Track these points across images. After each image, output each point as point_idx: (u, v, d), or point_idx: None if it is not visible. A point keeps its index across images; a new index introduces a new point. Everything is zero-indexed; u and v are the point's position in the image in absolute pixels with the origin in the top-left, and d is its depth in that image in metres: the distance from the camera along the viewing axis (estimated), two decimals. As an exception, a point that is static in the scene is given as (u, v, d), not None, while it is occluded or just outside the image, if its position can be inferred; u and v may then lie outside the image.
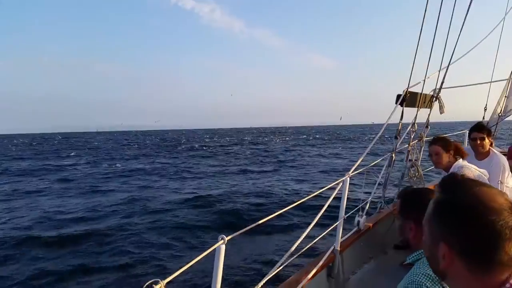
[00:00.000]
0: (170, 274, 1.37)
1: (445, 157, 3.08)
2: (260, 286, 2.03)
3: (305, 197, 2.44)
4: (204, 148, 44.34)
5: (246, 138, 75.23)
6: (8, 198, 14.13)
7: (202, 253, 1.53)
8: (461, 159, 2.95)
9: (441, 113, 4.29)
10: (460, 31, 3.55)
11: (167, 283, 1.30)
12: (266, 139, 66.63)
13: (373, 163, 3.66)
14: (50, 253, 7.69)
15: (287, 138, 65.03)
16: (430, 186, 4.54)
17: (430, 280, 1.25)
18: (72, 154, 39.65)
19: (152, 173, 21.09)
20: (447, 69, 3.75)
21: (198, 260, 1.49)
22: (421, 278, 1.26)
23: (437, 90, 4.08)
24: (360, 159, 3.11)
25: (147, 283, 1.26)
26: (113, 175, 20.53)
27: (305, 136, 76.20)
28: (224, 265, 1.68)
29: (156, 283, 1.27)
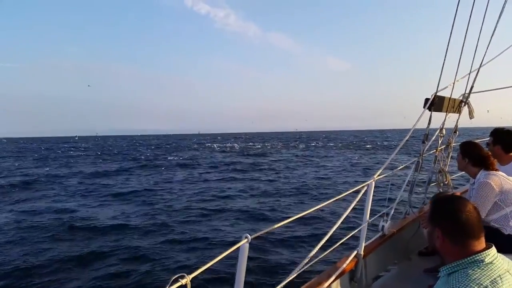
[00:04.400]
0: (196, 270, 1.37)
1: (461, 162, 2.97)
2: (281, 286, 2.00)
3: (330, 199, 2.39)
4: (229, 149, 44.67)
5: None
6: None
7: (227, 250, 1.53)
8: (485, 169, 2.81)
9: (470, 118, 4.10)
10: (493, 33, 3.37)
11: (193, 278, 1.30)
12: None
13: (399, 168, 3.54)
14: (74, 244, 8.00)
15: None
16: (458, 192, 4.33)
17: None
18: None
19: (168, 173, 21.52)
20: (477, 72, 3.58)
21: (223, 258, 1.48)
22: None
23: (466, 94, 3.90)
24: (386, 163, 3.01)
25: (173, 278, 1.27)
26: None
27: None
28: (247, 263, 1.67)
29: (182, 277, 1.28)
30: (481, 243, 1.31)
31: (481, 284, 1.17)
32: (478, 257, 1.26)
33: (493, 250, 1.29)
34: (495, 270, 1.22)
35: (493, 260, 1.26)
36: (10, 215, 11.11)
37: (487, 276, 1.20)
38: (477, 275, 1.21)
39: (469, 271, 1.24)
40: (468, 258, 1.27)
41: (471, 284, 1.18)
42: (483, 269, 1.23)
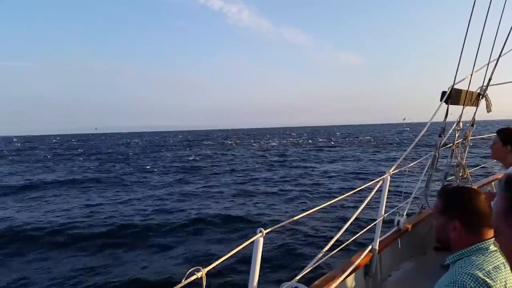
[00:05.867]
0: (211, 263, 1.37)
1: (500, 150, 2.66)
2: (296, 280, 1.98)
3: (345, 193, 2.34)
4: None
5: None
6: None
7: (241, 244, 1.52)
8: None
9: (488, 111, 3.96)
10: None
11: (208, 271, 1.30)
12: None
13: (416, 162, 3.45)
14: (94, 242, 8.18)
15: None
16: (475, 186, 4.21)
17: (474, 281, 1.15)
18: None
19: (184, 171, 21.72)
20: (496, 63, 3.43)
21: (237, 251, 1.48)
22: (464, 278, 1.17)
23: (484, 87, 3.76)
24: (402, 157, 2.94)
25: (189, 270, 1.27)
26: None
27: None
28: (261, 257, 1.66)
29: (198, 270, 1.28)
30: (493, 231, 1.32)
31: (483, 269, 1.18)
32: (482, 245, 1.27)
33: None
34: (499, 258, 1.23)
35: (499, 248, 1.26)
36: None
37: (490, 262, 1.21)
38: (480, 261, 1.22)
39: (473, 258, 1.25)
40: (473, 246, 1.28)
41: (473, 269, 1.19)
42: (487, 255, 1.24)
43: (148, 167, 23.91)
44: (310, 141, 54.77)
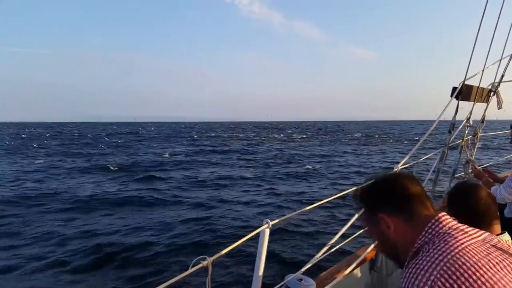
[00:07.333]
0: (217, 252, 1.37)
1: None
2: (301, 271, 1.98)
3: (351, 188, 2.32)
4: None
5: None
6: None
7: (247, 235, 1.52)
8: None
9: (498, 108, 3.87)
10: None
11: (214, 260, 1.30)
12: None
13: (424, 158, 3.40)
14: (108, 229, 8.29)
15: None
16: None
17: None
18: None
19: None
20: (510, 59, 3.33)
21: (243, 242, 1.48)
22: None
23: (496, 84, 3.67)
24: (410, 153, 2.89)
25: (195, 259, 1.28)
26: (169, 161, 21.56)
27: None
28: (267, 248, 1.65)
29: (204, 259, 1.28)
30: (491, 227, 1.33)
31: None
32: None
33: (506, 236, 1.28)
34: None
35: None
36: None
37: None
38: None
39: None
40: None
41: None
42: None
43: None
44: (320, 133, 54.51)
